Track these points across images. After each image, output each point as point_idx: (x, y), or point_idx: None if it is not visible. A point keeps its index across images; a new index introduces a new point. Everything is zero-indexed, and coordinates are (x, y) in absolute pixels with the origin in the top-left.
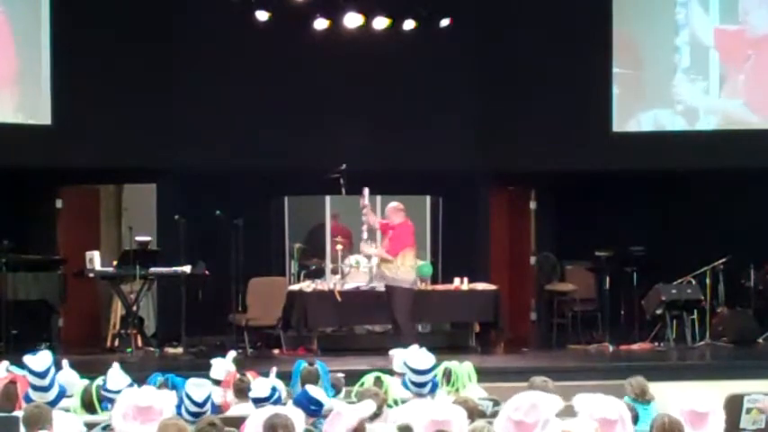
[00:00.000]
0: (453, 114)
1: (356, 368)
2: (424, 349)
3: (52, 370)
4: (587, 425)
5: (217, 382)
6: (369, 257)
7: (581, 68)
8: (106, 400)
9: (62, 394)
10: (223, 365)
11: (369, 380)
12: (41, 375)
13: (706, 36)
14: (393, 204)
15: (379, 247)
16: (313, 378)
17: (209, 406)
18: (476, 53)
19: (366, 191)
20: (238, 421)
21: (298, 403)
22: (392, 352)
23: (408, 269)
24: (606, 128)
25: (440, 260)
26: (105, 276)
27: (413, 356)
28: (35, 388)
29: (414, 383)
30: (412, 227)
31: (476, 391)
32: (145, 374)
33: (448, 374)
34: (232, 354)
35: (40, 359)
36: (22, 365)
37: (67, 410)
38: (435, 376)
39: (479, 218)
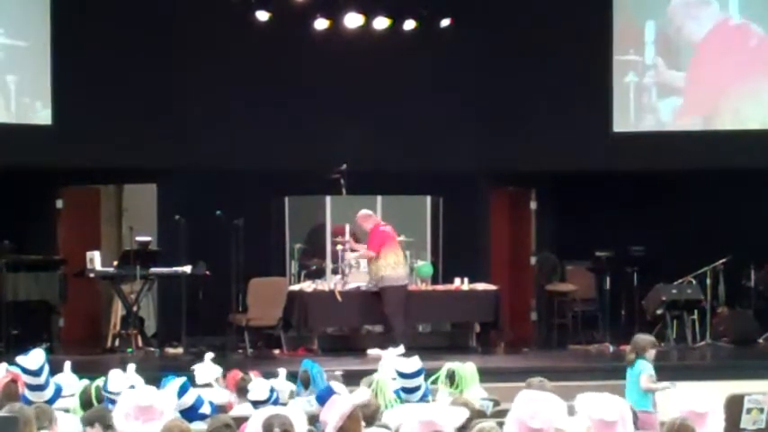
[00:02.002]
0: (453, 114)
1: (356, 368)
2: (416, 357)
3: (46, 368)
4: (579, 425)
5: (206, 386)
6: (357, 263)
7: (581, 68)
8: (107, 401)
9: (58, 393)
10: (205, 369)
11: (382, 384)
12: (35, 374)
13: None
14: (361, 213)
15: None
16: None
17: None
18: (476, 53)
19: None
20: (241, 421)
21: (322, 398)
22: (370, 351)
23: (393, 266)
24: (606, 128)
25: (440, 260)
26: (106, 276)
27: (400, 361)
28: (31, 387)
29: (404, 389)
30: (387, 227)
31: (476, 392)
32: (145, 375)
33: (451, 375)
34: (210, 355)
35: (33, 357)
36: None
37: (67, 411)
38: (436, 380)
39: (479, 218)
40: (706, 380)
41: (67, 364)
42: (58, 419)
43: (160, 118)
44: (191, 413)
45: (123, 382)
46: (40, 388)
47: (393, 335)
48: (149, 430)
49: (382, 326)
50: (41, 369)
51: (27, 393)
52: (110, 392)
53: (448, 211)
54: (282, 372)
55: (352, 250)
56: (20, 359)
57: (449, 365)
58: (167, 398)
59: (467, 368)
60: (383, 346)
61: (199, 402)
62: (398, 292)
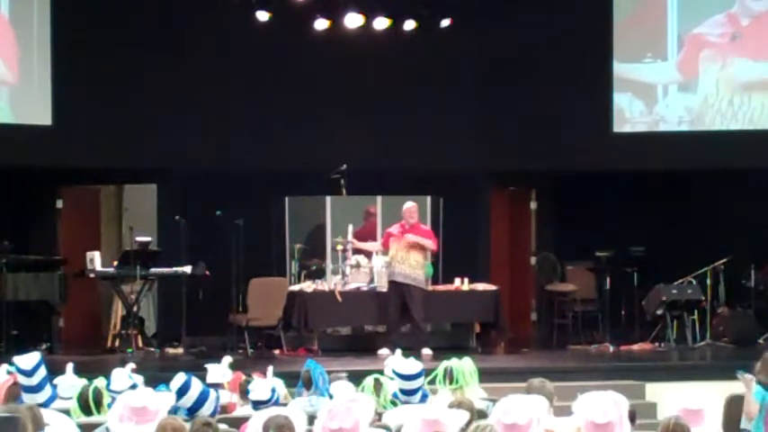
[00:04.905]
0: (453, 114)
1: (356, 368)
2: (412, 358)
3: (42, 371)
4: (570, 425)
5: (215, 386)
6: (357, 263)
7: (581, 68)
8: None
9: (54, 397)
10: (219, 370)
11: (368, 382)
12: (28, 374)
13: None
14: (413, 204)
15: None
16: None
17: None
18: (476, 53)
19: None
20: (244, 422)
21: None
22: (381, 352)
23: (422, 269)
24: (606, 128)
25: (440, 260)
26: (106, 277)
27: (400, 363)
28: (24, 388)
29: (403, 391)
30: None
31: (476, 392)
32: (145, 375)
33: (450, 373)
34: (228, 359)
35: (28, 358)
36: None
37: (66, 412)
38: (434, 379)
39: (479, 218)
40: (706, 380)
41: (70, 366)
42: (51, 421)
43: (160, 118)
44: (197, 406)
45: (127, 381)
46: (33, 390)
47: (422, 336)
48: (143, 431)
49: (412, 326)
50: (34, 370)
51: (23, 396)
52: (113, 392)
53: (448, 212)
54: (269, 369)
55: (356, 251)
56: (16, 358)
57: (445, 363)
58: (162, 398)
59: (464, 364)
60: (386, 347)
61: (203, 397)
62: (425, 295)
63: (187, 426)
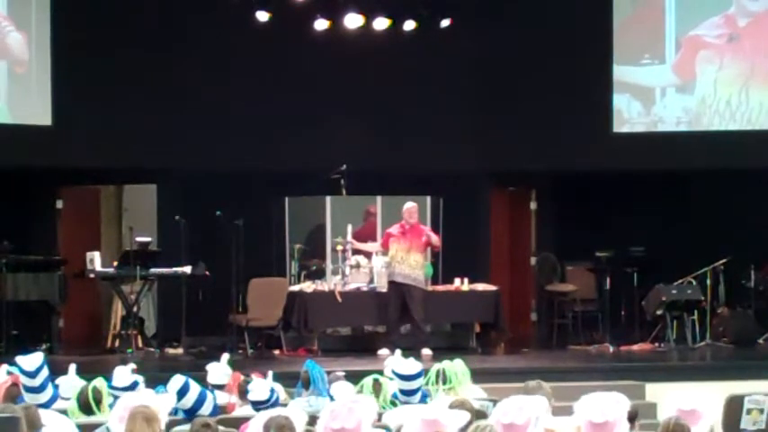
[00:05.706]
0: (453, 114)
1: (356, 369)
2: (412, 359)
3: (45, 372)
4: (570, 424)
5: (218, 387)
6: (357, 263)
7: (581, 68)
8: (113, 398)
9: (55, 398)
10: (220, 370)
11: (368, 382)
12: (31, 375)
13: None
14: (413, 205)
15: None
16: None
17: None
18: (476, 53)
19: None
20: (243, 422)
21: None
22: (381, 352)
23: (422, 269)
24: (606, 128)
25: (440, 260)
26: (106, 277)
27: (399, 363)
28: (27, 389)
29: (402, 391)
30: None
31: (474, 392)
32: (145, 375)
33: (442, 375)
34: (226, 356)
35: (31, 359)
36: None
37: (64, 412)
38: (428, 381)
39: (479, 218)
40: (706, 380)
41: (72, 367)
42: (50, 421)
43: (160, 118)
44: (196, 407)
45: (128, 378)
46: (35, 390)
47: (422, 336)
48: None
49: (412, 326)
50: (38, 371)
51: (24, 395)
52: (115, 389)
53: (448, 212)
54: (269, 374)
55: (356, 251)
56: (18, 359)
57: (437, 366)
58: (161, 399)
59: (456, 365)
60: (385, 347)
61: (201, 398)
62: (425, 295)
63: (159, 413)
